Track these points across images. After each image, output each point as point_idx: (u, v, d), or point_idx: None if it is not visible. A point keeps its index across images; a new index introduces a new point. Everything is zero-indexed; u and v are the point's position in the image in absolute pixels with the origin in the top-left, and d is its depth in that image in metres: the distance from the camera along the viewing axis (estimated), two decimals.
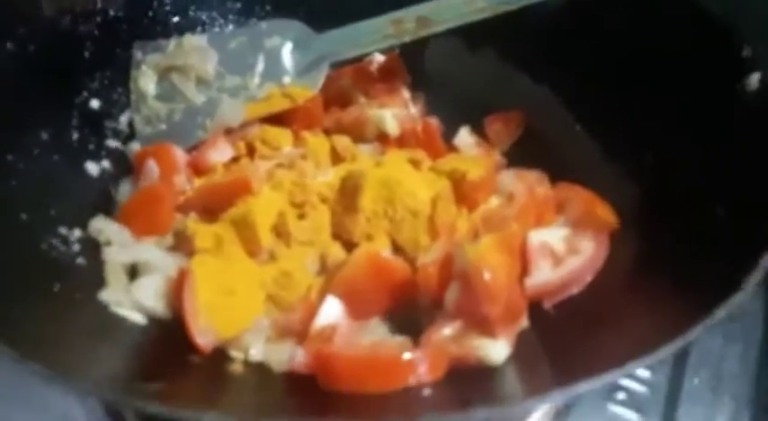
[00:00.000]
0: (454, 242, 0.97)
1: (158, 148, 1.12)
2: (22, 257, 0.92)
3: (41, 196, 1.00)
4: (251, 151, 1.14)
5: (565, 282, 0.95)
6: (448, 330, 0.88)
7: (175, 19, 1.26)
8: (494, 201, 1.08)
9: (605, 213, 1.00)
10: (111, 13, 1.18)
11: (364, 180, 1.01)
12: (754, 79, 0.93)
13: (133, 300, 0.95)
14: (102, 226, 1.03)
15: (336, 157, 1.15)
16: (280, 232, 1.00)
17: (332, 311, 0.92)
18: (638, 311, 0.87)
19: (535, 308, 0.94)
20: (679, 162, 0.99)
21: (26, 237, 0.95)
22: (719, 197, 0.90)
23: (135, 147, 1.16)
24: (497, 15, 1.09)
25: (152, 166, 1.08)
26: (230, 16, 1.31)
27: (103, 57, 1.17)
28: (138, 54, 1.21)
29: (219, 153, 1.13)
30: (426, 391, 0.82)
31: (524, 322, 0.92)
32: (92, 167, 1.11)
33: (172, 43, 1.22)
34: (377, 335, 0.94)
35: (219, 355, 0.92)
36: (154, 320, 0.95)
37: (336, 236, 1.03)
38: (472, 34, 1.16)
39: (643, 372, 1.04)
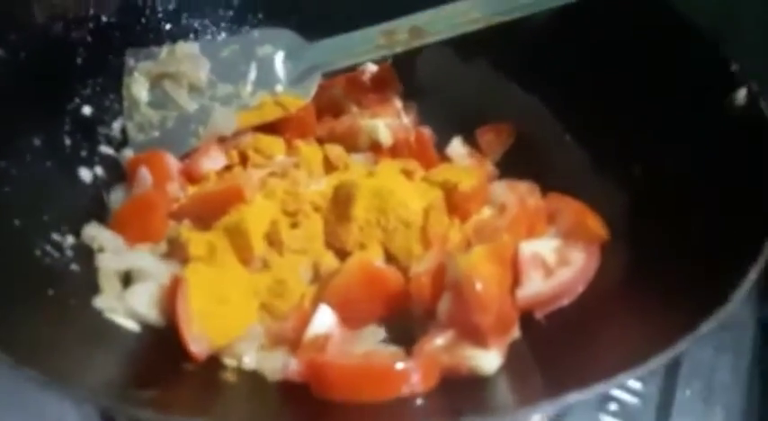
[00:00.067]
0: (446, 252, 0.98)
1: (151, 156, 1.12)
2: (15, 263, 0.92)
3: (34, 202, 1.00)
4: (244, 160, 1.14)
5: (556, 293, 0.96)
6: (440, 340, 0.88)
7: (168, 26, 1.26)
8: (486, 212, 1.09)
9: (596, 225, 1.01)
10: (104, 19, 1.17)
11: (357, 190, 1.01)
12: (742, 94, 0.95)
13: (127, 307, 0.95)
14: (95, 233, 1.02)
15: (329, 166, 1.15)
16: (273, 240, 1.00)
17: (325, 320, 0.92)
18: (629, 322, 0.88)
19: (527, 318, 0.95)
20: (667, 173, 1.00)
21: (19, 244, 0.94)
22: (708, 209, 0.91)
23: (128, 153, 1.15)
24: (489, 27, 1.09)
25: (145, 174, 1.08)
26: (222, 24, 1.30)
27: (96, 63, 1.17)
28: (130, 61, 1.20)
29: (212, 161, 1.13)
30: (419, 401, 0.82)
31: (516, 333, 0.92)
32: (85, 174, 1.11)
33: (164, 51, 1.21)
34: (370, 344, 0.94)
35: (213, 363, 0.91)
36: (148, 327, 0.95)
37: (329, 244, 1.03)
38: (464, 45, 1.16)
39: (635, 383, 1.05)
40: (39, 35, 1.09)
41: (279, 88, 1.19)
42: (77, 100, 1.14)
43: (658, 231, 0.95)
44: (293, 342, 0.92)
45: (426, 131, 1.21)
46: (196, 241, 0.98)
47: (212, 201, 1.04)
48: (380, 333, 0.95)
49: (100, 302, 0.95)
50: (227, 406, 0.86)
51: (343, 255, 1.02)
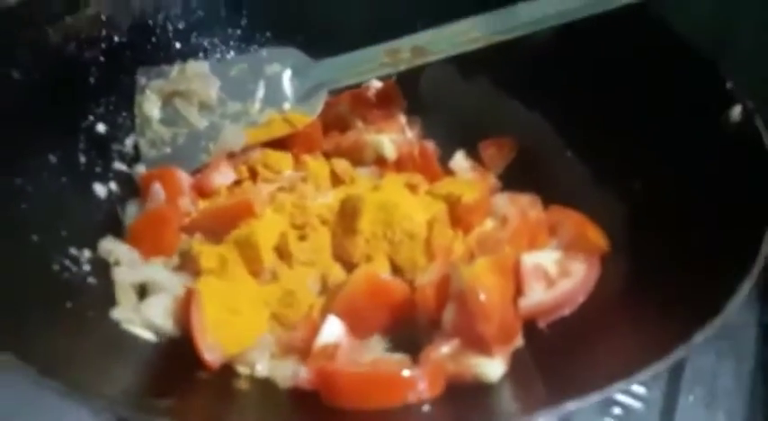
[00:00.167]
0: (450, 263, 0.99)
1: (164, 172, 1.14)
2: (35, 278, 0.94)
3: (51, 218, 1.02)
4: (253, 174, 1.16)
5: (558, 303, 0.97)
6: (446, 348, 0.90)
7: (178, 45, 1.28)
8: (488, 224, 1.10)
9: (596, 236, 1.02)
10: (116, 39, 1.20)
11: (362, 203, 1.03)
12: (737, 111, 0.97)
13: (143, 318, 0.97)
14: (111, 247, 1.05)
15: (336, 180, 1.17)
16: (282, 253, 1.02)
17: (333, 330, 0.94)
18: (628, 331, 0.90)
19: (529, 327, 0.96)
20: (666, 187, 1.02)
21: (38, 259, 0.97)
22: (704, 222, 0.93)
23: (141, 169, 1.18)
24: (490, 45, 1.11)
25: (158, 189, 1.11)
26: (231, 43, 1.33)
27: (108, 82, 1.19)
28: (141, 79, 1.23)
29: (222, 176, 1.15)
30: (426, 408, 0.84)
31: (519, 341, 0.94)
32: (99, 189, 1.13)
33: (175, 69, 1.23)
34: (377, 352, 0.96)
35: (227, 371, 0.93)
36: (164, 337, 0.97)
37: (337, 257, 1.05)
38: (466, 62, 1.18)
39: (638, 388, 1.05)
40: (53, 56, 1.11)
41: (286, 105, 1.22)
42: (91, 118, 1.16)
43: (657, 243, 0.97)
44: (303, 351, 0.94)
45: (430, 146, 1.23)
46: (207, 254, 1.00)
47: (223, 215, 1.06)
48: (386, 342, 0.97)
49: (117, 314, 0.97)
50: (240, 413, 0.88)
51: (350, 266, 1.04)
